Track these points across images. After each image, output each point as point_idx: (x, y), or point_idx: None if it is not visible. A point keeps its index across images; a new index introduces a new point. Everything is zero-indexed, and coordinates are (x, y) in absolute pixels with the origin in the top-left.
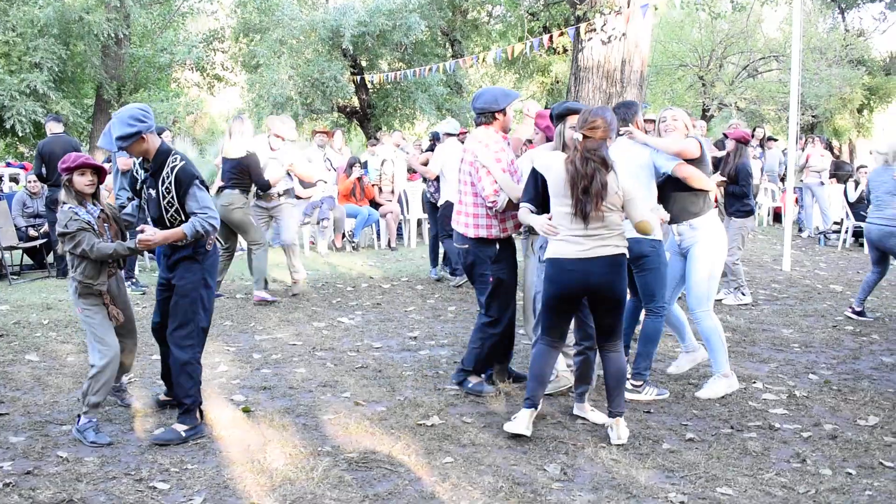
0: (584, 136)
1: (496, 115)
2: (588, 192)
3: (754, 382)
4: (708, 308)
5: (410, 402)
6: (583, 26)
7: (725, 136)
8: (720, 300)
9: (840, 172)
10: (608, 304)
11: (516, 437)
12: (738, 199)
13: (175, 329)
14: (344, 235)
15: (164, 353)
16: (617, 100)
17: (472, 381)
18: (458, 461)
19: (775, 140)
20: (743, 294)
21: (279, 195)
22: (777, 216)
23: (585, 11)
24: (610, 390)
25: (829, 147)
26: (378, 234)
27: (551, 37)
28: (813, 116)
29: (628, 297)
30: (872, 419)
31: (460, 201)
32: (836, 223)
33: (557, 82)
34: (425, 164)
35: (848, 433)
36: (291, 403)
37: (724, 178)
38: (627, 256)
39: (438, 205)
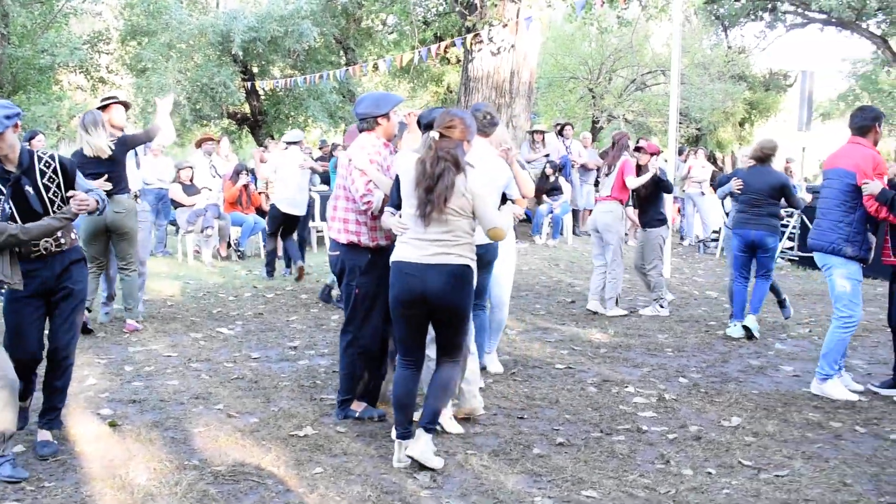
0: (441, 135)
1: (378, 119)
2: (431, 193)
3: (626, 387)
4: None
5: (284, 413)
6: (469, 37)
7: (639, 149)
8: (633, 311)
9: (715, 183)
10: (445, 316)
11: (389, 444)
12: (653, 210)
13: (72, 338)
14: (229, 244)
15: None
16: (506, 110)
17: (357, 408)
18: (328, 471)
19: (660, 151)
20: (661, 307)
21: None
22: None
23: (475, 23)
24: (425, 399)
25: (713, 159)
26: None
27: (441, 47)
28: (697, 129)
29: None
30: (735, 420)
31: (335, 207)
32: (714, 232)
33: (450, 91)
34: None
35: (711, 434)
36: (161, 416)
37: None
38: (473, 269)
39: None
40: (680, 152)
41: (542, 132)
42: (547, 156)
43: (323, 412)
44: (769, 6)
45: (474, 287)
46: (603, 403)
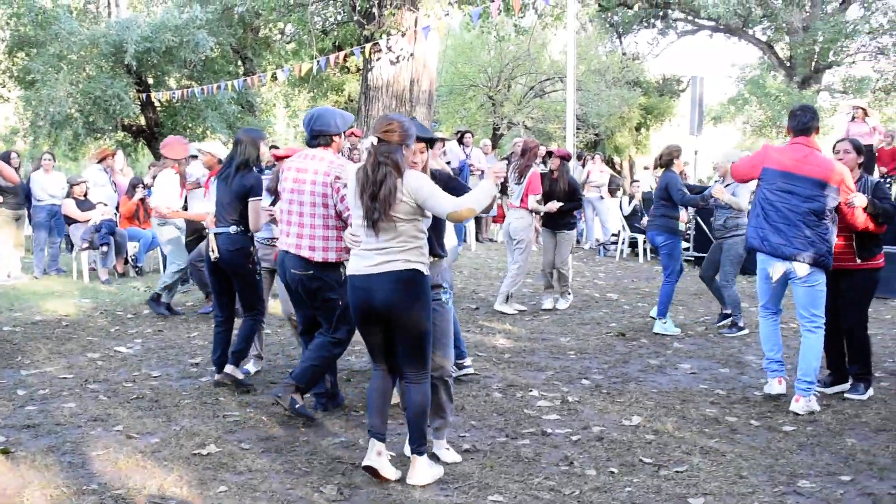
0: (379, 140)
1: (334, 137)
2: (376, 199)
3: (531, 391)
4: None
5: (186, 432)
6: (368, 46)
7: (550, 153)
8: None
9: (611, 187)
10: (399, 326)
11: (295, 459)
12: (567, 212)
13: None
14: (126, 260)
15: None
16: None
17: (299, 401)
18: (233, 489)
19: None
20: (569, 294)
21: None
22: None
23: (373, 32)
24: (408, 424)
25: (611, 163)
26: (164, 259)
27: (340, 56)
28: (595, 134)
29: None
30: (636, 419)
31: (301, 224)
32: (613, 235)
33: (351, 101)
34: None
35: (613, 434)
36: (57, 441)
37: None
38: (424, 273)
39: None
40: (578, 157)
41: (444, 140)
42: (449, 163)
43: (227, 429)
44: (661, 14)
45: (427, 293)
46: (508, 408)
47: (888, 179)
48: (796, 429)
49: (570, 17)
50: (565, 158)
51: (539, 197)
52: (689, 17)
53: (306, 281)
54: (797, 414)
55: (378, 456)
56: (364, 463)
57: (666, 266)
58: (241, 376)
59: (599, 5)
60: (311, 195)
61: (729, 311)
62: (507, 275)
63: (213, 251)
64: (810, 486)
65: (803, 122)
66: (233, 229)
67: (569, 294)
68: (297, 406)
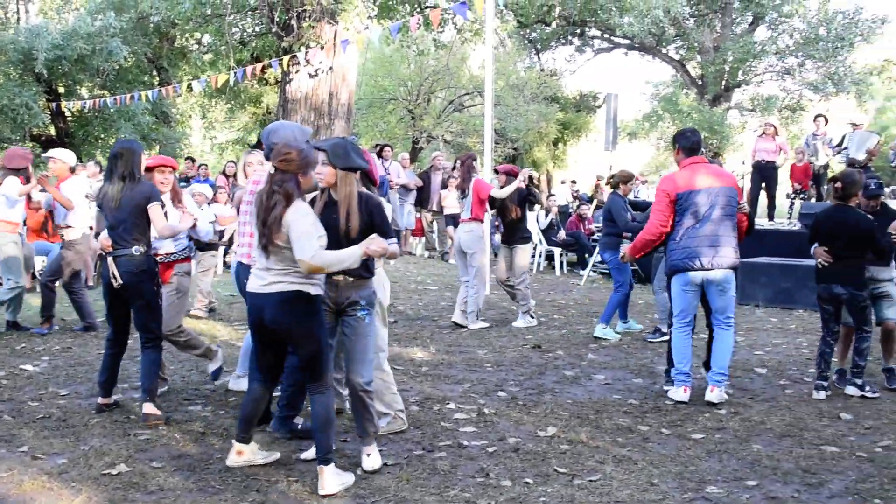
0: (276, 168)
1: None
2: (266, 225)
3: (448, 403)
4: None
5: (95, 451)
6: (286, 58)
7: (496, 171)
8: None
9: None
10: (290, 342)
11: (209, 476)
12: (520, 227)
13: None
14: (34, 275)
15: None
16: (325, 132)
17: (299, 421)
18: None
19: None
20: (531, 317)
21: None
22: None
23: (292, 44)
24: (313, 435)
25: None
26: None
27: (257, 68)
28: (514, 149)
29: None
30: (551, 429)
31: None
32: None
33: (269, 113)
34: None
35: (529, 444)
36: None
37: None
38: (310, 294)
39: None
40: (496, 172)
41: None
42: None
43: (138, 448)
44: (578, 31)
45: (314, 313)
46: (425, 421)
47: (801, 195)
48: (705, 436)
49: (489, 32)
50: (511, 174)
51: (496, 191)
52: (605, 35)
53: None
54: (712, 403)
55: (238, 455)
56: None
57: (616, 279)
58: (159, 412)
59: (518, 22)
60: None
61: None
62: (469, 292)
63: (114, 278)
64: (718, 491)
65: (696, 142)
66: (135, 250)
67: (531, 317)
68: (298, 428)
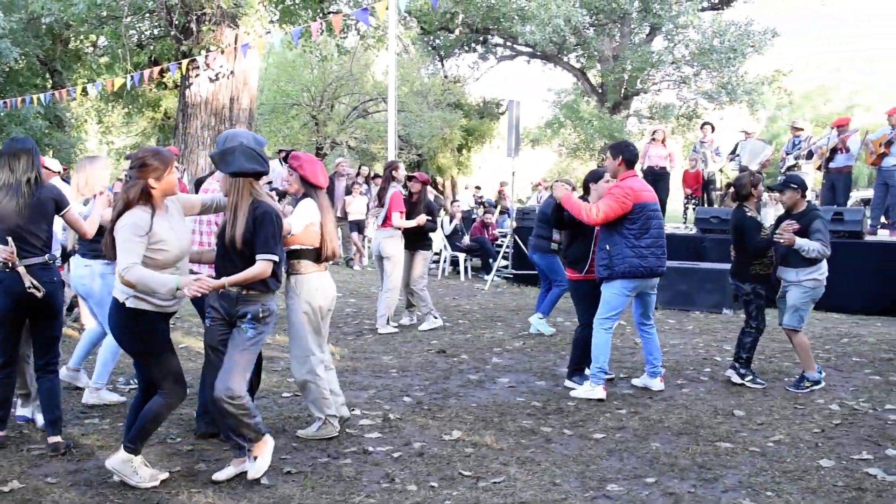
0: (132, 175)
1: None
2: (110, 230)
3: (353, 410)
4: None
5: None
6: (186, 62)
7: (410, 178)
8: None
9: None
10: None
11: (107, 491)
12: (424, 234)
13: None
14: None
15: None
16: None
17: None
18: None
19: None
20: (435, 317)
21: None
22: None
23: (191, 48)
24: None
25: (434, 183)
26: None
27: (155, 72)
28: (418, 155)
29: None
30: (456, 433)
31: (200, 243)
32: (435, 254)
33: (168, 117)
34: None
35: (434, 448)
36: None
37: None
38: (122, 304)
39: None
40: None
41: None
42: (270, 183)
43: (31, 463)
44: (481, 39)
45: (124, 324)
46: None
47: (694, 200)
48: (606, 436)
49: (392, 39)
50: (425, 183)
51: (398, 222)
52: (508, 43)
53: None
54: (602, 401)
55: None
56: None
57: (554, 277)
58: (62, 440)
59: (422, 29)
60: (216, 215)
61: None
62: (382, 296)
63: (35, 288)
64: (618, 489)
65: (636, 155)
66: (49, 257)
67: (434, 317)
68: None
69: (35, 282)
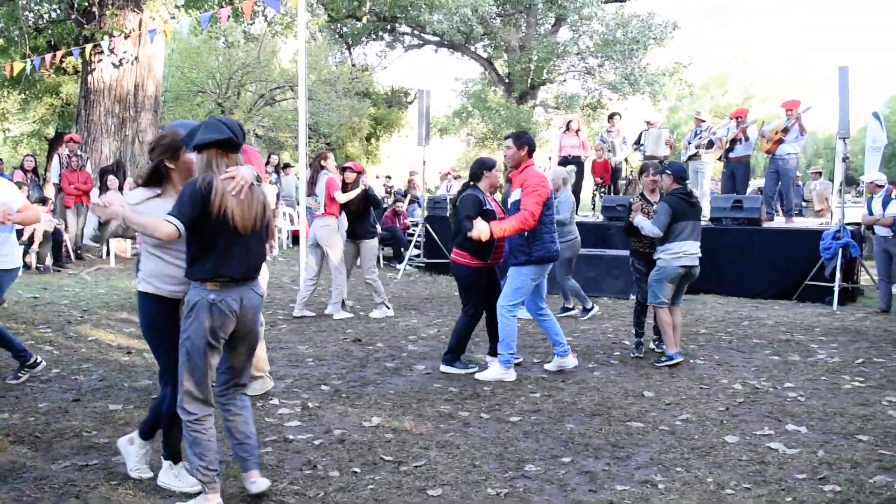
0: None
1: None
2: None
3: (271, 399)
4: None
5: None
6: (89, 47)
7: (345, 168)
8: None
9: None
10: None
11: (22, 487)
12: (366, 223)
13: None
14: None
15: None
16: (131, 124)
17: None
18: None
19: (291, 166)
20: (387, 307)
21: None
22: (296, 239)
23: (93, 32)
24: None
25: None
26: None
27: (55, 56)
28: (326, 144)
29: None
30: (375, 419)
31: None
32: None
33: (68, 104)
34: None
35: (354, 435)
36: None
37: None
38: (147, 294)
39: None
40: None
41: None
42: None
43: None
44: (389, 27)
45: (147, 315)
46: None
47: (603, 189)
48: (522, 419)
49: (301, 26)
50: (360, 172)
51: (339, 196)
52: (416, 32)
53: None
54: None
55: None
56: None
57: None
58: None
59: (329, 16)
60: None
61: (570, 305)
62: (333, 283)
63: None
64: (536, 469)
65: (532, 147)
66: None
67: (385, 306)
68: None
69: None
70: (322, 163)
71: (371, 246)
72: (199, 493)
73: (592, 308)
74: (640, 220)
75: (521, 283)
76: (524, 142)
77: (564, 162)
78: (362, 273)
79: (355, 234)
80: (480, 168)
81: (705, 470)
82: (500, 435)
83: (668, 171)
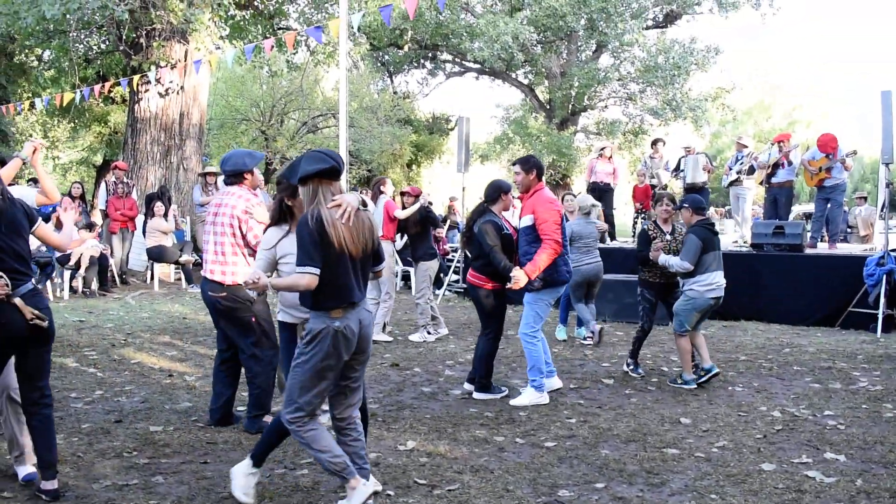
0: None
1: (245, 175)
2: None
3: None
4: None
5: None
6: (136, 78)
7: (403, 193)
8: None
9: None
10: None
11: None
12: (425, 244)
13: None
14: None
15: None
16: (176, 152)
17: (266, 419)
18: None
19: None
20: (429, 333)
21: None
22: None
23: (141, 63)
24: None
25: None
26: None
27: (104, 86)
28: (368, 170)
29: None
30: (410, 443)
31: (216, 252)
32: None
33: (116, 133)
34: None
35: (389, 459)
36: None
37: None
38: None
39: None
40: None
41: (215, 174)
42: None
43: None
44: (430, 55)
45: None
46: (288, 440)
47: (643, 214)
48: (557, 444)
49: (342, 55)
50: (417, 196)
51: (399, 213)
52: (457, 60)
53: (220, 302)
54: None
55: None
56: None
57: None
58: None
59: (371, 45)
60: (222, 226)
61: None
62: (381, 306)
63: (39, 318)
64: (569, 494)
65: (542, 172)
66: (35, 281)
67: (427, 331)
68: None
69: (34, 311)
70: (381, 188)
71: (427, 267)
72: None
73: (596, 331)
74: (664, 258)
75: (538, 308)
76: (532, 165)
77: (594, 187)
78: (412, 295)
79: (415, 256)
80: (497, 191)
81: (740, 497)
82: (534, 460)
83: (685, 205)
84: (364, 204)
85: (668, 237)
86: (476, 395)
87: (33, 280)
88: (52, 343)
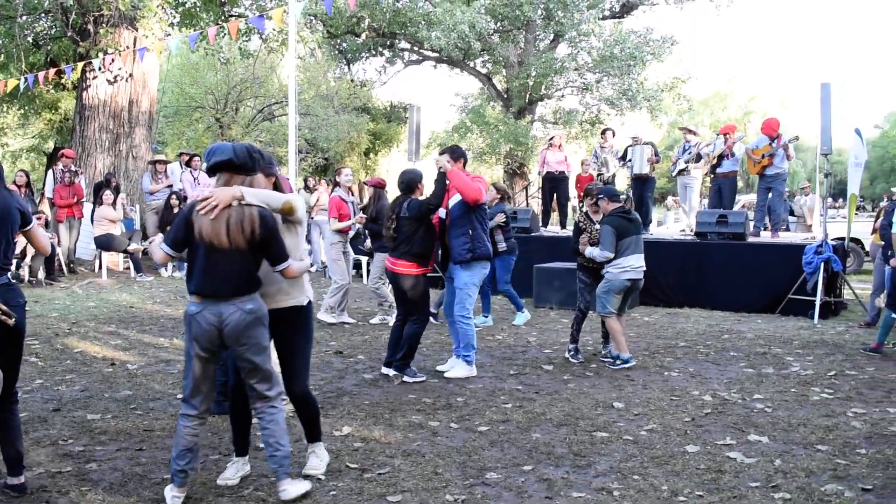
0: None
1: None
2: None
3: None
4: None
5: None
6: (82, 64)
7: (366, 183)
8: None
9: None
10: None
11: None
12: (380, 235)
13: None
14: None
15: None
16: (126, 140)
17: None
18: None
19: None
20: (388, 315)
21: None
22: None
23: (88, 49)
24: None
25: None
26: None
27: (52, 73)
28: (325, 159)
29: None
30: (346, 429)
31: None
32: None
33: (67, 119)
34: None
35: (324, 444)
36: None
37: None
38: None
39: None
40: (305, 182)
41: (165, 162)
42: (170, 186)
43: None
44: (388, 43)
45: None
46: (224, 428)
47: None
48: (490, 428)
49: (292, 43)
50: (379, 186)
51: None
52: (415, 48)
53: None
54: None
55: None
56: None
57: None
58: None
59: (328, 32)
60: None
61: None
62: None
63: (5, 315)
64: (496, 476)
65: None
66: (11, 275)
67: (384, 315)
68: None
69: (4, 307)
70: (336, 177)
71: (381, 257)
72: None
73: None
74: (590, 251)
75: (469, 287)
76: (459, 154)
77: (548, 177)
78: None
79: (375, 247)
80: (415, 182)
81: (662, 478)
82: (466, 444)
83: (601, 196)
84: (241, 199)
85: (597, 227)
86: (401, 377)
87: (9, 275)
88: (22, 346)
